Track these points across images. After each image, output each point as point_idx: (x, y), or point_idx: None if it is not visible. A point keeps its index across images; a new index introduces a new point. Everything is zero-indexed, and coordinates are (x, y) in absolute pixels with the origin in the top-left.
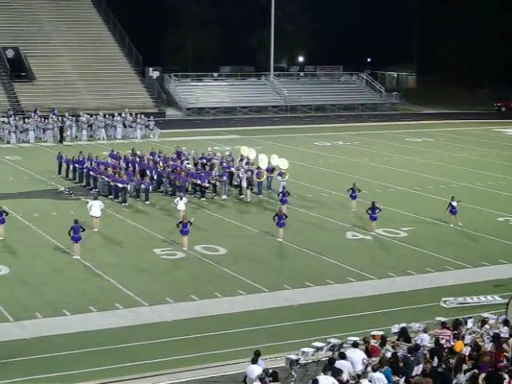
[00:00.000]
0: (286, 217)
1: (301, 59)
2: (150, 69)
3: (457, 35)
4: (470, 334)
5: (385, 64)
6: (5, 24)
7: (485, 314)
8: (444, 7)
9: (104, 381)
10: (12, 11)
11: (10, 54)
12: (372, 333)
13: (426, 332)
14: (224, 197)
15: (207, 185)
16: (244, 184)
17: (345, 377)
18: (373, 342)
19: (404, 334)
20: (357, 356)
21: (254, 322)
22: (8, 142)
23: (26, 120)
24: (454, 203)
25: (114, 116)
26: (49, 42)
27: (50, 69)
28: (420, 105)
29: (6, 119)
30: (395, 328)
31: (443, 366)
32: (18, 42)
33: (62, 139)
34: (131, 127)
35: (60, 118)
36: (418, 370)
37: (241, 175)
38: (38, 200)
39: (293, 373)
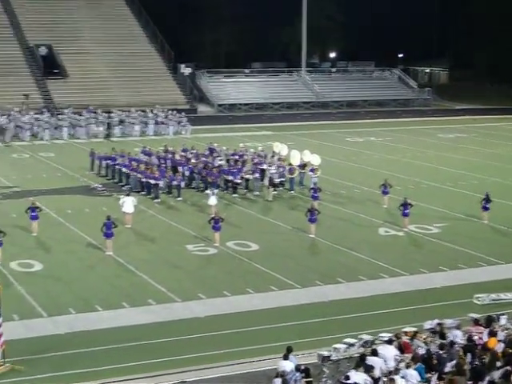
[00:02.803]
0: (318, 213)
1: (332, 55)
2: (182, 65)
3: (489, 31)
4: (503, 330)
5: (417, 60)
6: (38, 22)
7: None
8: (479, 2)
9: (136, 376)
10: (45, 9)
11: (43, 51)
12: (404, 329)
13: (458, 329)
14: (256, 193)
15: (239, 181)
16: (266, 182)
17: (377, 373)
18: (405, 339)
19: (440, 330)
20: (389, 352)
21: (286, 318)
22: (42, 139)
23: (60, 117)
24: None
25: (145, 112)
26: (81, 39)
27: (83, 66)
28: (452, 100)
29: (39, 116)
30: (427, 324)
31: (477, 362)
32: (50, 40)
33: (109, 135)
34: (163, 124)
35: (107, 115)
36: (451, 366)
37: (272, 171)
38: (70, 196)
39: (325, 369)
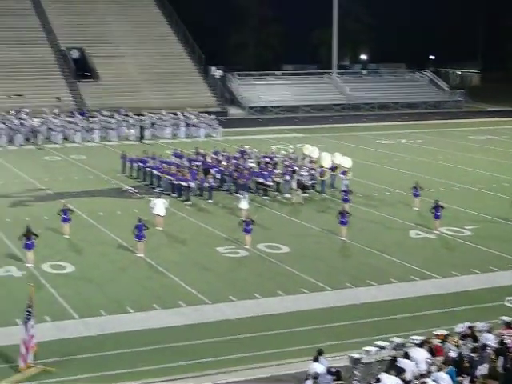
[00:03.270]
0: (350, 215)
1: (363, 57)
2: (213, 68)
3: None
4: None
5: (448, 61)
6: (70, 25)
7: None
8: (509, 5)
9: (167, 378)
10: (76, 12)
11: (75, 54)
12: (435, 332)
13: (490, 332)
14: (287, 195)
15: (270, 183)
16: (294, 185)
17: (408, 376)
18: (436, 342)
19: (472, 333)
20: (420, 355)
21: (317, 320)
22: (73, 142)
23: (91, 119)
24: None
25: (177, 115)
26: (113, 42)
27: (114, 69)
28: (484, 102)
29: (71, 118)
30: (459, 327)
31: (509, 365)
32: (82, 43)
33: (142, 137)
34: (194, 126)
35: (139, 117)
36: (482, 369)
37: (303, 174)
38: (102, 199)
39: (356, 372)
